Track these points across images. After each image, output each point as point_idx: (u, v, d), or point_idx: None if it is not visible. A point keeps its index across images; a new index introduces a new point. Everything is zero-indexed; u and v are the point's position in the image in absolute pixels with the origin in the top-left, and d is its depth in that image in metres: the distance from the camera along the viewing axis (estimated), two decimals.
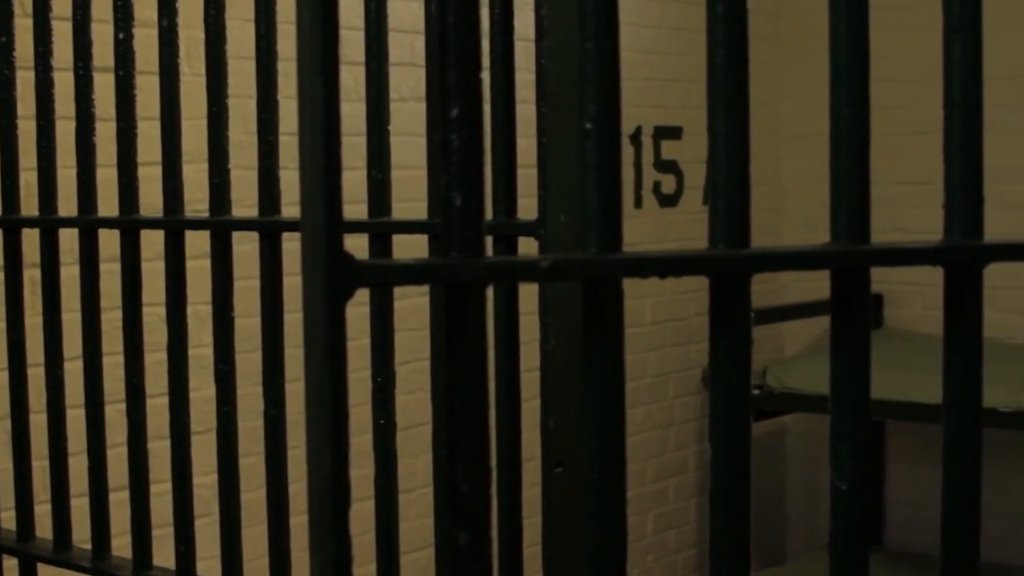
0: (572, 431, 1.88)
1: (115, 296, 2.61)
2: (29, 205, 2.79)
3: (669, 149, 6.59)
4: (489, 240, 2.12)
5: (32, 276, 2.84)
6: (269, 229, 2.45)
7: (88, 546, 2.70)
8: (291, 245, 1.98)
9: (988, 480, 1.42)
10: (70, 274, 2.71)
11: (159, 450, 2.69)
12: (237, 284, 2.51)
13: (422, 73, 2.36)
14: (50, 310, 2.71)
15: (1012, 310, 6.46)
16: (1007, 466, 6.43)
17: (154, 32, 2.50)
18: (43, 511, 2.81)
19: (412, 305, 3.21)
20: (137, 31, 2.56)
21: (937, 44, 1.40)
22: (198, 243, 2.60)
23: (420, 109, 2.35)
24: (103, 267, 2.66)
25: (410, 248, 1.83)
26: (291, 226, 2.41)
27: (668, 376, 6.66)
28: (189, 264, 2.56)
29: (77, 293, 2.65)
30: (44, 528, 2.80)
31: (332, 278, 1.07)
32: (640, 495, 6.49)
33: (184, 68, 2.55)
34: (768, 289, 6.93)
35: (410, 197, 2.87)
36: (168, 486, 2.57)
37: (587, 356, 1.25)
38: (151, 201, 2.64)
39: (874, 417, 6.19)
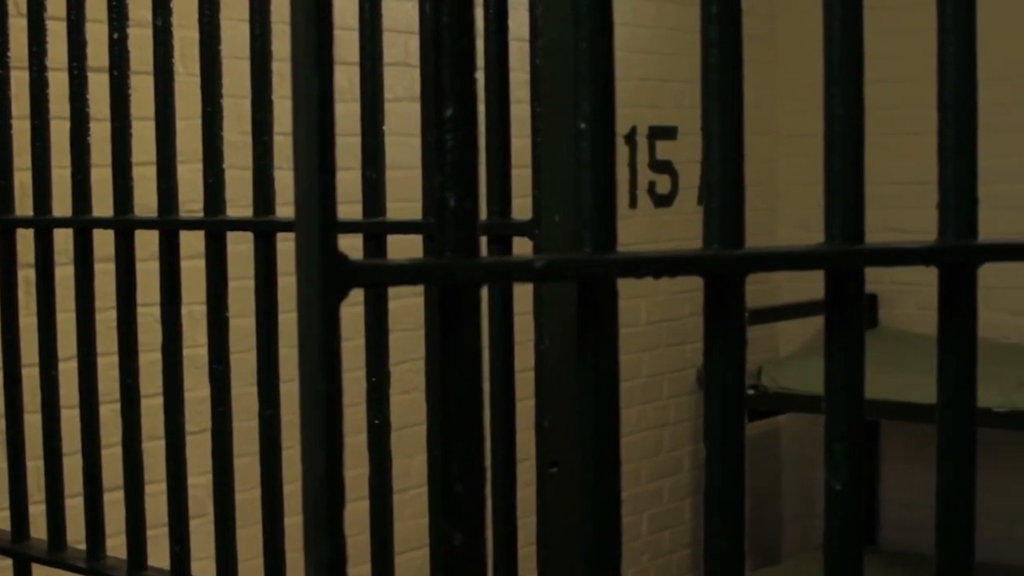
0: (567, 431, 1.88)
1: (110, 296, 2.61)
2: (23, 205, 2.78)
3: (664, 149, 6.59)
4: (484, 240, 2.12)
5: (26, 276, 2.84)
6: (264, 229, 2.45)
7: (83, 546, 2.70)
8: (286, 245, 1.98)
9: (983, 480, 1.42)
10: (64, 274, 2.70)
11: (154, 450, 2.69)
12: (232, 284, 2.51)
13: (416, 73, 2.36)
14: (44, 310, 2.71)
15: (1007, 310, 6.47)
16: (1002, 466, 6.43)
17: (148, 32, 2.50)
18: (38, 511, 2.80)
19: (407, 305, 3.22)
20: (131, 31, 2.56)
21: (931, 45, 1.40)
22: (193, 243, 2.60)
23: (415, 109, 2.35)
24: (98, 267, 2.65)
25: (405, 248, 1.83)
26: (286, 226, 2.41)
27: (663, 376, 6.66)
28: (184, 264, 2.55)
29: (72, 293, 2.64)
30: (39, 528, 2.79)
31: (326, 278, 1.07)
32: (635, 495, 6.49)
33: (179, 68, 2.55)
34: (763, 289, 6.93)
35: (405, 197, 2.87)
36: (163, 486, 2.56)
37: (581, 356, 1.25)
38: (146, 201, 2.64)
39: (869, 417, 6.20)
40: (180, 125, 2.53)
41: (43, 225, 2.71)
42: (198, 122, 2.48)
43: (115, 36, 2.55)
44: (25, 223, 2.76)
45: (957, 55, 1.38)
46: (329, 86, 1.07)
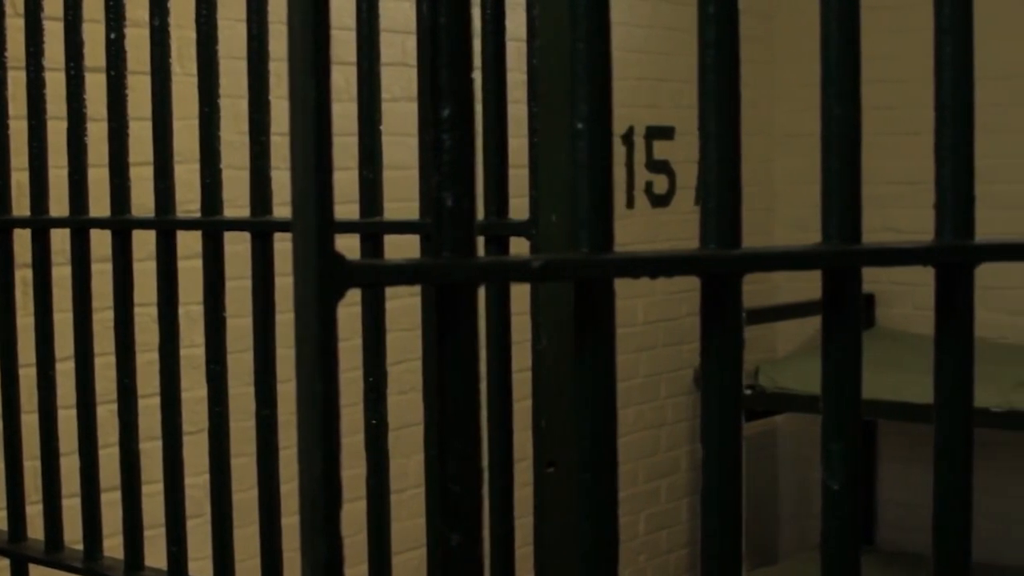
0: (564, 431, 1.89)
1: (107, 296, 2.60)
2: (20, 205, 2.78)
3: (661, 149, 6.59)
4: (481, 240, 2.13)
5: (24, 276, 2.83)
6: (261, 229, 2.45)
7: (80, 546, 2.70)
8: (283, 245, 1.98)
9: (980, 480, 1.42)
10: (62, 274, 2.70)
11: (151, 450, 2.69)
12: (229, 284, 2.51)
13: (414, 73, 2.36)
14: (42, 310, 2.71)
15: (1004, 310, 6.47)
16: (999, 466, 6.43)
17: (146, 32, 2.50)
18: (35, 511, 2.80)
19: (404, 305, 3.21)
20: (129, 31, 2.56)
21: (929, 45, 1.40)
22: (190, 243, 2.60)
23: (412, 109, 2.35)
24: (95, 267, 2.65)
25: (402, 248, 1.83)
26: (283, 226, 2.41)
27: (660, 376, 6.66)
28: (181, 264, 2.55)
29: (69, 293, 2.64)
30: (36, 529, 2.79)
31: (323, 278, 1.07)
32: (632, 495, 6.49)
33: (176, 68, 2.55)
34: (760, 289, 6.93)
35: (402, 197, 2.87)
36: (160, 486, 2.56)
37: (579, 356, 1.25)
38: (143, 201, 2.63)
39: (866, 417, 6.21)
40: (177, 125, 2.53)
41: (40, 225, 2.71)
42: (195, 122, 2.48)
43: (112, 36, 2.55)
44: (22, 223, 2.75)
45: (954, 55, 1.38)
46: (326, 86, 1.07)
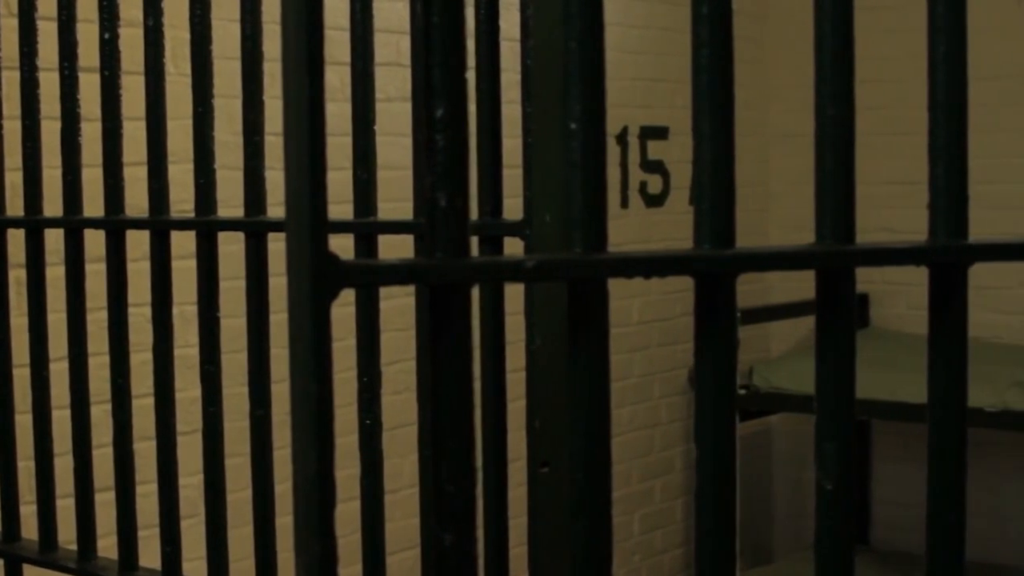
0: (558, 431, 1.88)
1: (101, 296, 2.60)
2: (14, 205, 2.78)
3: (655, 149, 6.59)
4: (475, 240, 2.12)
5: (17, 276, 2.83)
6: (255, 229, 2.45)
7: (74, 547, 2.70)
8: (277, 245, 1.98)
9: (975, 480, 1.42)
10: (55, 274, 2.70)
11: (145, 451, 2.69)
12: (223, 284, 2.51)
13: (408, 73, 2.36)
14: (35, 310, 2.71)
15: (998, 310, 6.47)
16: (993, 466, 6.44)
17: (140, 32, 2.50)
18: (29, 512, 2.80)
19: (398, 305, 3.21)
20: (123, 31, 2.55)
21: (922, 45, 1.40)
22: (184, 243, 2.60)
23: (406, 109, 2.35)
24: (89, 267, 2.65)
25: (396, 248, 1.83)
26: (277, 226, 2.41)
27: (654, 376, 6.66)
28: (175, 264, 2.55)
29: (63, 293, 2.64)
30: (30, 528, 2.79)
31: (317, 278, 1.07)
32: (626, 495, 6.49)
33: (170, 68, 2.54)
34: (754, 289, 6.94)
35: (396, 197, 2.87)
36: (154, 487, 2.56)
37: (573, 356, 1.25)
38: (137, 201, 2.64)
39: (860, 417, 6.20)
40: (171, 125, 2.53)
41: (34, 225, 2.71)
42: (189, 122, 2.48)
43: (106, 36, 2.55)
44: (16, 223, 2.75)
45: (947, 55, 1.39)
46: (320, 86, 1.07)
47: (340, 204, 1.83)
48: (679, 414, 6.82)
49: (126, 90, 2.56)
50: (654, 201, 6.61)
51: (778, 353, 7.17)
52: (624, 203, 6.46)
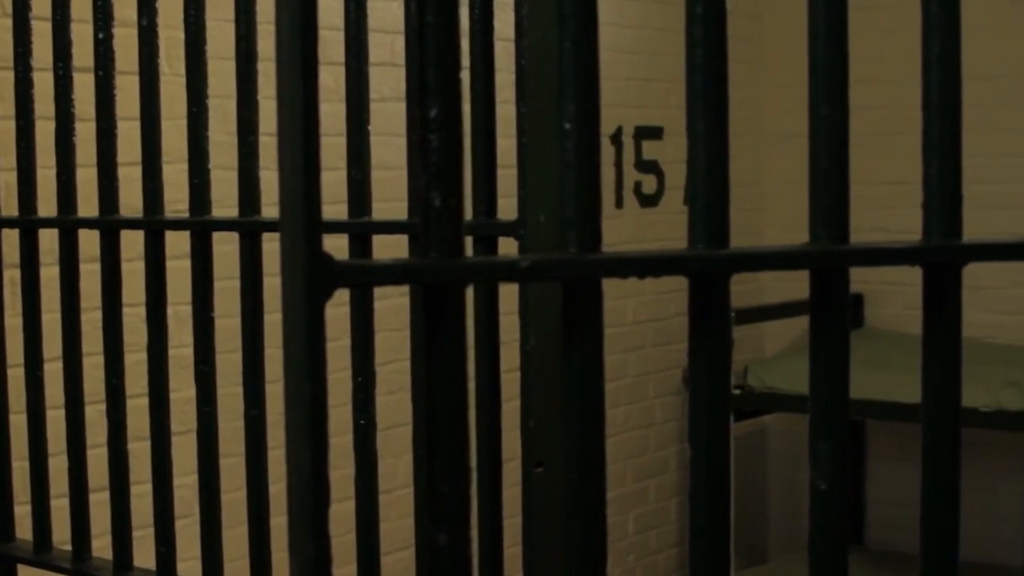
0: (552, 431, 1.89)
1: (95, 296, 2.60)
2: (9, 205, 2.78)
3: (650, 149, 6.59)
4: (469, 240, 2.12)
5: (12, 276, 2.83)
6: (249, 229, 2.45)
7: (68, 547, 2.70)
8: (271, 245, 1.98)
9: (970, 480, 1.42)
10: (50, 274, 2.70)
11: (139, 451, 2.69)
12: (217, 284, 2.51)
13: (402, 73, 2.36)
14: (30, 311, 2.71)
15: (992, 310, 6.48)
16: (987, 466, 6.44)
17: (134, 32, 2.50)
18: (23, 512, 2.80)
19: (393, 305, 3.21)
20: (117, 31, 2.55)
21: (916, 45, 1.40)
22: (178, 243, 2.60)
23: (400, 109, 2.35)
24: (83, 267, 2.65)
25: (390, 248, 1.83)
26: (271, 226, 2.41)
27: (649, 376, 6.66)
28: (169, 264, 2.55)
29: (57, 293, 2.64)
30: (24, 529, 2.79)
31: (311, 278, 1.07)
32: (621, 495, 6.49)
33: (164, 68, 2.55)
34: (749, 289, 6.94)
35: (390, 197, 2.87)
36: (148, 487, 2.56)
37: (567, 356, 1.25)
38: (131, 201, 2.63)
39: (855, 417, 6.19)
40: (166, 125, 2.53)
41: (28, 225, 2.71)
42: (184, 122, 2.48)
43: (100, 36, 2.54)
44: (10, 223, 2.75)
45: (942, 55, 1.39)
46: (314, 87, 1.06)
47: (334, 204, 1.83)
48: (674, 414, 6.82)
49: (120, 90, 2.56)
50: (649, 201, 6.61)
51: (772, 353, 7.18)
52: (619, 203, 6.46)
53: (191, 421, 2.53)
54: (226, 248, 2.61)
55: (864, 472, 7.04)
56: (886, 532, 6.95)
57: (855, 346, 1.36)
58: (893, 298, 6.85)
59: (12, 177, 2.71)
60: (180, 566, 2.59)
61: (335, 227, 2.25)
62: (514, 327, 2.00)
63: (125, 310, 2.60)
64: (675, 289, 6.41)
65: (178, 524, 2.59)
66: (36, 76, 2.67)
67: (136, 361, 2.64)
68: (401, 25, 2.32)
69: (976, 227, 1.55)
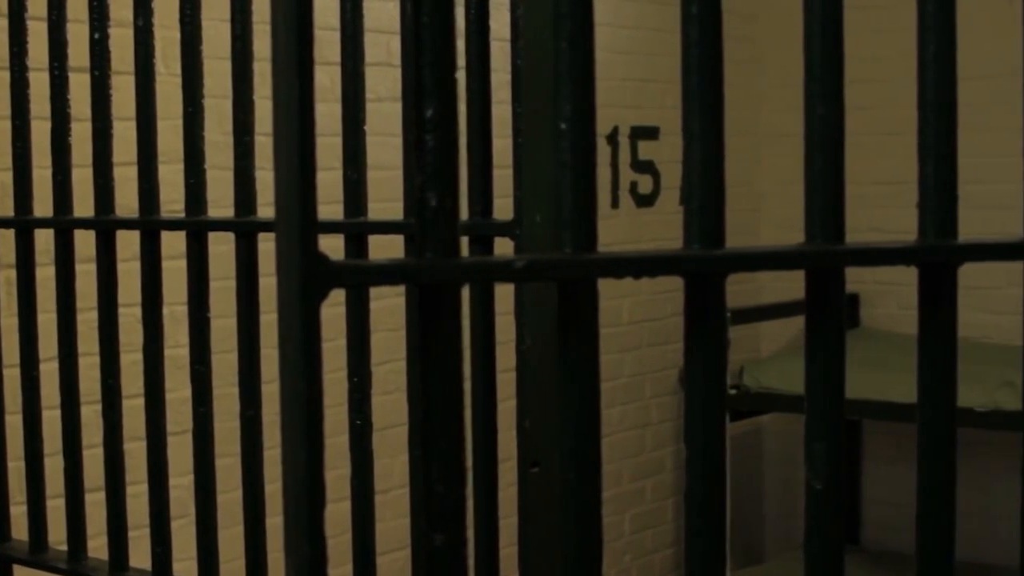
0: (548, 431, 1.89)
1: (91, 297, 2.60)
2: (4, 205, 2.78)
3: (646, 149, 6.59)
4: (465, 240, 2.12)
5: (7, 277, 2.83)
6: (245, 229, 2.45)
7: (64, 547, 2.70)
8: (267, 246, 1.98)
9: (966, 479, 1.43)
10: (45, 275, 2.70)
11: (135, 451, 2.69)
12: (213, 284, 2.51)
13: (398, 73, 2.36)
14: (25, 311, 2.70)
15: (988, 310, 6.48)
16: (983, 465, 6.44)
17: (130, 32, 2.50)
18: (19, 512, 2.80)
19: (388, 305, 3.21)
20: (113, 31, 2.55)
21: (912, 45, 1.40)
22: (174, 243, 2.60)
23: (396, 109, 2.35)
24: (79, 267, 2.65)
25: (386, 248, 1.83)
26: (267, 226, 2.41)
27: (645, 376, 6.66)
28: (165, 264, 2.55)
29: (53, 294, 2.64)
30: (20, 529, 2.79)
31: (307, 279, 1.07)
32: (617, 495, 6.49)
33: (160, 68, 2.54)
34: (745, 289, 6.94)
35: (386, 197, 2.86)
36: (144, 487, 2.56)
37: (562, 356, 1.25)
38: (127, 202, 2.63)
39: (851, 416, 6.18)
40: (161, 125, 2.53)
41: (24, 225, 2.71)
42: (179, 122, 2.48)
43: (96, 36, 2.54)
44: (6, 223, 2.75)
45: (937, 54, 1.39)
46: (309, 87, 1.06)
47: (330, 204, 1.83)
48: (670, 414, 6.82)
49: (116, 90, 2.56)
50: (644, 201, 6.61)
51: (768, 353, 7.18)
52: (614, 203, 6.46)
53: (187, 421, 2.53)
54: (222, 248, 2.61)
55: (860, 472, 7.04)
56: (882, 532, 6.96)
57: (851, 346, 1.36)
58: (889, 298, 6.85)
59: (8, 177, 2.71)
60: (176, 566, 2.59)
61: (331, 227, 2.25)
62: (510, 327, 2.00)
63: (121, 310, 2.60)
64: (671, 289, 6.41)
65: (174, 524, 2.59)
66: (32, 76, 2.66)
67: (132, 361, 2.64)
68: (397, 25, 2.32)
69: (971, 227, 1.55)
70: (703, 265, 1.29)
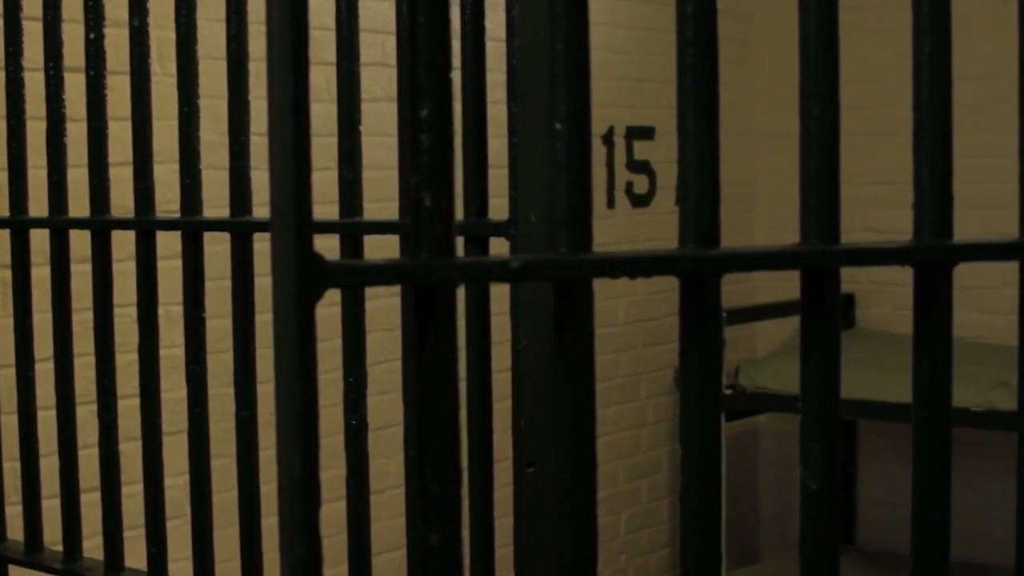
0: (544, 431, 1.88)
1: (86, 297, 2.60)
2: (0, 206, 2.78)
3: (642, 149, 6.59)
4: (460, 240, 2.12)
5: (3, 277, 2.84)
6: (240, 229, 2.45)
7: (59, 547, 2.70)
8: (262, 246, 1.97)
9: (962, 479, 1.43)
10: (41, 275, 2.70)
11: (130, 451, 2.69)
12: (208, 285, 2.51)
13: (394, 73, 2.36)
14: (21, 311, 2.70)
15: (983, 310, 6.48)
16: (979, 465, 6.45)
17: (125, 32, 2.50)
18: (14, 512, 2.80)
19: (384, 305, 3.21)
20: (108, 31, 2.55)
21: (907, 45, 1.41)
22: (169, 243, 2.60)
23: (392, 109, 2.35)
24: (74, 268, 2.65)
25: (381, 248, 1.83)
26: (262, 226, 2.41)
27: (640, 376, 6.66)
28: (160, 265, 2.55)
29: (48, 294, 2.64)
30: (15, 529, 2.79)
31: (302, 279, 1.07)
32: (613, 495, 6.49)
33: (155, 68, 2.54)
34: (740, 289, 6.94)
35: (381, 197, 2.87)
36: (140, 487, 2.56)
37: (557, 356, 1.25)
38: (122, 202, 2.63)
39: (846, 416, 6.18)
40: (157, 125, 2.53)
41: (19, 225, 2.71)
42: (175, 122, 2.48)
43: (92, 36, 2.54)
44: (1, 224, 2.75)
45: (932, 55, 1.39)
46: (305, 87, 1.06)
47: (325, 204, 1.83)
48: (665, 414, 6.82)
49: (112, 90, 2.56)
50: (640, 201, 6.61)
51: (764, 353, 7.18)
52: (610, 203, 6.46)
53: (182, 421, 2.53)
54: (217, 248, 2.60)
55: (855, 472, 7.04)
56: (877, 532, 6.96)
57: (846, 346, 1.36)
58: (884, 298, 6.86)
59: (3, 177, 2.71)
60: (171, 566, 2.58)
61: (326, 227, 2.25)
62: (505, 327, 2.00)
63: (116, 310, 2.60)
64: (666, 289, 6.41)
65: (169, 524, 2.59)
66: (27, 76, 2.66)
67: (127, 361, 2.64)
68: (392, 25, 2.32)
69: (967, 227, 1.55)
70: (698, 265, 1.29)
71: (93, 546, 2.68)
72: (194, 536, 2.53)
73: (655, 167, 6.66)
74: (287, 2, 1.06)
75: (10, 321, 2.71)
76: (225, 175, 2.46)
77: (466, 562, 1.23)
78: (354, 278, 1.18)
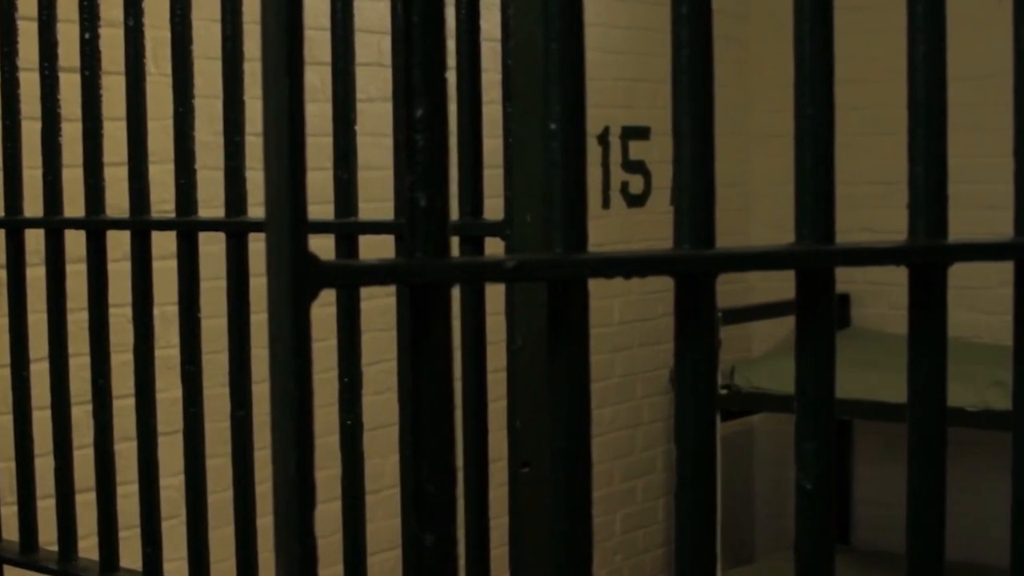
0: (539, 431, 1.89)
1: (81, 297, 2.60)
2: None
3: (637, 149, 6.59)
4: (456, 240, 2.12)
5: None
6: (235, 230, 2.45)
7: (54, 548, 2.69)
8: (258, 246, 1.98)
9: (956, 479, 1.43)
10: (36, 275, 2.70)
11: (126, 451, 2.69)
12: (204, 285, 2.51)
13: (389, 73, 2.36)
14: (16, 311, 2.70)
15: (978, 310, 6.48)
16: (974, 465, 6.45)
17: (120, 32, 2.50)
18: (9, 513, 2.79)
19: (380, 305, 3.21)
20: (103, 31, 2.55)
21: (901, 45, 1.41)
22: (165, 244, 2.60)
23: (387, 109, 2.35)
24: (69, 268, 2.65)
25: (376, 248, 1.83)
26: (257, 226, 2.41)
27: (636, 376, 6.66)
28: (156, 265, 2.55)
29: (43, 294, 2.64)
30: (10, 530, 2.78)
31: (297, 279, 1.07)
32: (608, 495, 6.49)
33: (150, 68, 2.54)
34: (736, 289, 6.94)
35: (376, 197, 2.86)
36: (135, 487, 2.56)
37: (552, 356, 1.25)
38: (117, 202, 2.63)
39: (841, 417, 6.17)
40: (152, 125, 2.52)
41: (14, 226, 2.70)
42: (170, 122, 2.48)
43: (87, 36, 2.54)
44: None
45: (927, 55, 1.39)
46: (299, 86, 1.06)
47: (320, 204, 1.83)
48: (661, 414, 6.82)
49: (106, 90, 2.56)
50: (635, 201, 6.61)
51: (759, 353, 7.18)
52: (605, 203, 6.46)
53: (177, 422, 2.52)
54: (212, 248, 2.60)
55: (850, 472, 7.04)
56: (872, 532, 6.96)
57: (841, 346, 1.36)
58: (879, 298, 6.86)
59: None
60: (166, 567, 2.58)
61: (321, 227, 2.25)
62: (500, 327, 2.00)
63: (111, 310, 2.60)
64: (662, 289, 6.41)
65: (165, 525, 2.58)
66: (22, 76, 2.66)
67: (122, 362, 2.64)
68: (387, 25, 2.32)
69: (962, 227, 1.55)
70: (693, 265, 1.29)
71: (88, 546, 2.68)
72: (189, 536, 2.53)
73: (650, 167, 6.66)
74: (282, 2, 1.06)
75: (5, 321, 2.71)
76: (220, 175, 2.45)
77: (461, 562, 1.23)
78: (349, 278, 1.18)
